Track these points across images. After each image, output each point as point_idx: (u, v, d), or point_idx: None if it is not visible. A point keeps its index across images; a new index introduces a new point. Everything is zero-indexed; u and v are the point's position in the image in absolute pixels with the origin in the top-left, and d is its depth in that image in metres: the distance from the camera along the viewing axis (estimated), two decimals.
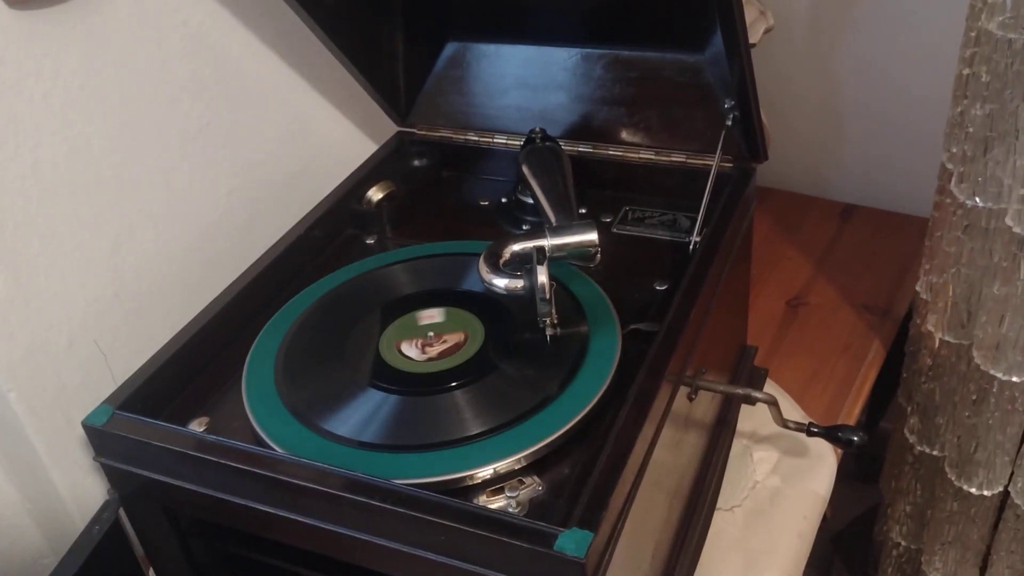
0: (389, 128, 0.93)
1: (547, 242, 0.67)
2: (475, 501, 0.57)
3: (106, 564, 0.62)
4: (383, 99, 0.90)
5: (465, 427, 0.60)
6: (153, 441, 0.59)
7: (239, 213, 0.88)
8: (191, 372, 0.68)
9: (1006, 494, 0.90)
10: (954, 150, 0.81)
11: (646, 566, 0.64)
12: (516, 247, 0.67)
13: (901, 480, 1.01)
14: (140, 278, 0.80)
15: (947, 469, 0.92)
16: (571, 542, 0.49)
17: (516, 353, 0.66)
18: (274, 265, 0.75)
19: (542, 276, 0.63)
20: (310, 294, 0.74)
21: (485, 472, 0.58)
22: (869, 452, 1.30)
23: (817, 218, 1.20)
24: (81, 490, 0.77)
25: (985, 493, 0.90)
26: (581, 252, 0.68)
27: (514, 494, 0.57)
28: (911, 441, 0.97)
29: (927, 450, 0.95)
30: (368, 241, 0.83)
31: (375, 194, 0.83)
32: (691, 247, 0.73)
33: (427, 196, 0.88)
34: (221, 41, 0.83)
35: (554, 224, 0.70)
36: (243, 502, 0.58)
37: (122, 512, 0.64)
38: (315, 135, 0.95)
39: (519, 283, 0.65)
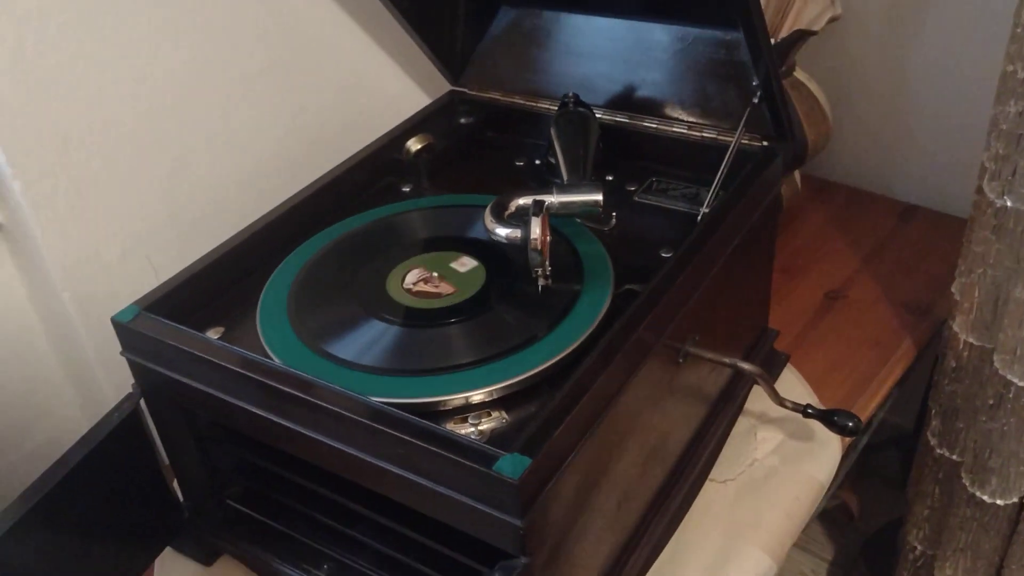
0: (442, 87, 0.97)
1: (553, 198, 0.70)
2: (444, 426, 0.61)
3: (121, 448, 0.68)
4: (438, 59, 0.94)
5: (446, 358, 0.65)
6: (169, 341, 0.66)
7: (291, 155, 0.94)
8: (217, 287, 0.74)
9: (1022, 506, 0.88)
10: (991, 148, 0.80)
11: (610, 513, 0.66)
12: (521, 200, 0.71)
13: (922, 484, 1.00)
14: (193, 203, 0.87)
15: (963, 475, 0.90)
16: (509, 465, 0.53)
17: (510, 299, 0.70)
18: (310, 199, 0.80)
19: (535, 227, 0.66)
20: (338, 230, 0.80)
21: (457, 400, 0.62)
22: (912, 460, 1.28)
23: (876, 216, 1.17)
24: (124, 389, 0.84)
25: (998, 502, 0.88)
26: (588, 211, 0.72)
27: (477, 422, 0.60)
28: (932, 444, 0.95)
29: (947, 454, 0.94)
30: (404, 189, 0.88)
31: (413, 144, 0.87)
32: (699, 217, 0.75)
33: (467, 152, 0.92)
34: None
35: (565, 183, 0.73)
36: (241, 404, 0.64)
37: (143, 405, 0.71)
38: (371, 89, 1.00)
39: (519, 233, 0.69)
